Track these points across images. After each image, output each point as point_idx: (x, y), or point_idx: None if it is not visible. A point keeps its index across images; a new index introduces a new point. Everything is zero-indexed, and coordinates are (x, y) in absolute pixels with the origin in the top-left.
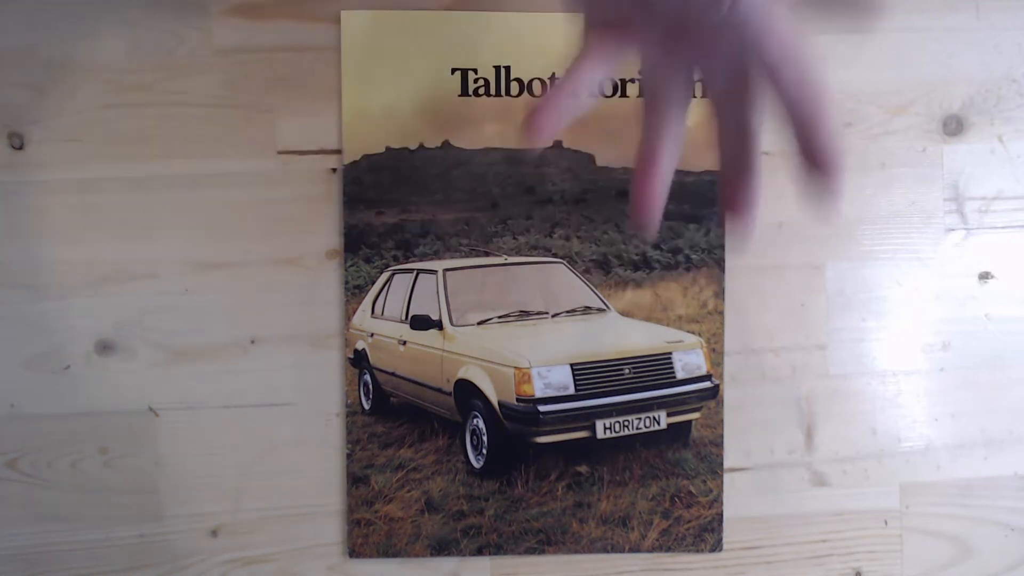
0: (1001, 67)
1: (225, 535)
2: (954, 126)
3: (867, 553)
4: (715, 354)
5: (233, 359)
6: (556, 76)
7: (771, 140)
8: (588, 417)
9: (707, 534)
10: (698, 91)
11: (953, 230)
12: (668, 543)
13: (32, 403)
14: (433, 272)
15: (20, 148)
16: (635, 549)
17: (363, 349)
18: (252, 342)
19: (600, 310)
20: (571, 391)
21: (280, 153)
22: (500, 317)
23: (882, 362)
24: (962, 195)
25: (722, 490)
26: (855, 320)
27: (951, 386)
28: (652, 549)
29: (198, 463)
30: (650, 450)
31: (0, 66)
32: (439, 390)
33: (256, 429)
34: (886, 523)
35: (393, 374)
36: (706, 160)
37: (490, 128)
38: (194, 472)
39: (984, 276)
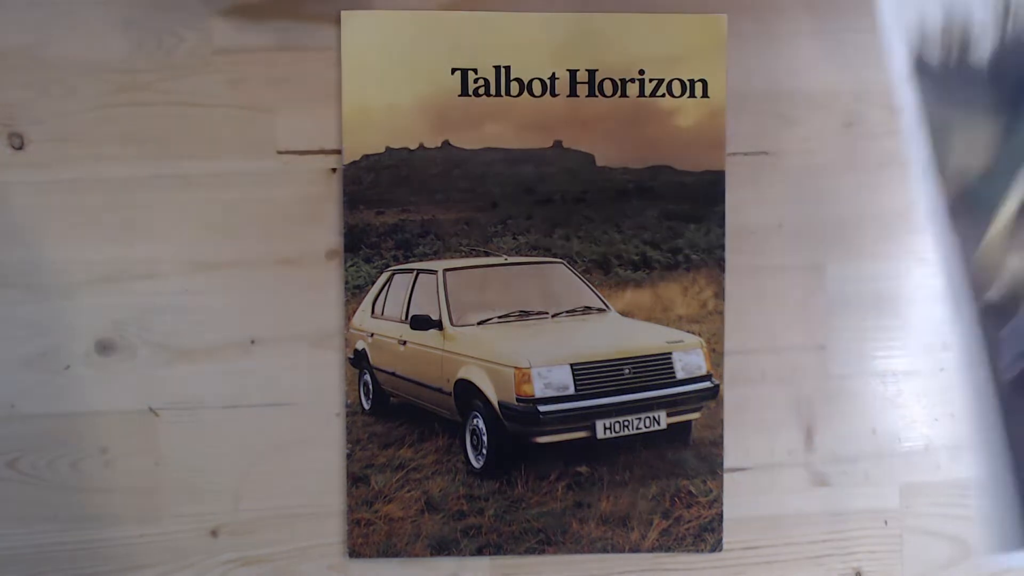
0: None
1: (225, 535)
2: None
3: (867, 553)
4: (715, 354)
5: (233, 359)
6: (556, 76)
7: (771, 141)
8: (588, 417)
9: (707, 534)
10: (704, 90)
11: None
12: (668, 543)
13: (32, 403)
14: (433, 272)
15: (20, 148)
16: (635, 549)
17: (363, 349)
18: (252, 342)
19: (600, 310)
20: (571, 391)
21: (280, 153)
22: (500, 317)
23: (882, 362)
24: None
25: (722, 490)
26: (855, 320)
27: (951, 386)
28: (652, 549)
29: (198, 463)
30: (650, 450)
31: (0, 66)
32: (439, 390)
33: (256, 429)
34: (886, 523)
35: (393, 374)
36: (706, 160)
37: (490, 128)
38: (194, 472)
39: None
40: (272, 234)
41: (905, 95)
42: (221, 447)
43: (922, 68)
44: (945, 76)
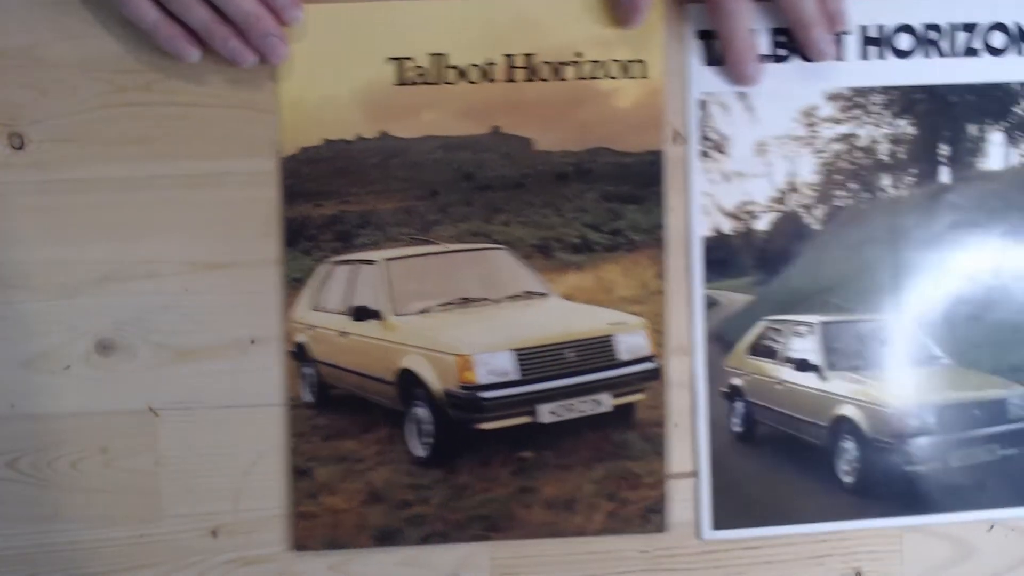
0: None
1: (225, 535)
2: None
3: (867, 553)
4: (658, 335)
5: (233, 359)
6: (492, 62)
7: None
8: (532, 402)
9: (653, 515)
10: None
11: None
12: (614, 525)
13: (32, 403)
14: (373, 262)
15: (20, 148)
16: (581, 532)
17: (304, 342)
18: (252, 342)
19: (542, 295)
20: (514, 376)
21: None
22: (441, 305)
23: None
24: None
25: (665, 471)
26: None
27: None
28: (598, 532)
29: (198, 463)
30: (596, 433)
31: (0, 66)
32: (382, 380)
33: (256, 429)
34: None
35: (335, 366)
36: (646, 141)
37: (427, 116)
38: (194, 472)
39: None
40: (272, 234)
41: None
42: (221, 447)
43: None
44: None
